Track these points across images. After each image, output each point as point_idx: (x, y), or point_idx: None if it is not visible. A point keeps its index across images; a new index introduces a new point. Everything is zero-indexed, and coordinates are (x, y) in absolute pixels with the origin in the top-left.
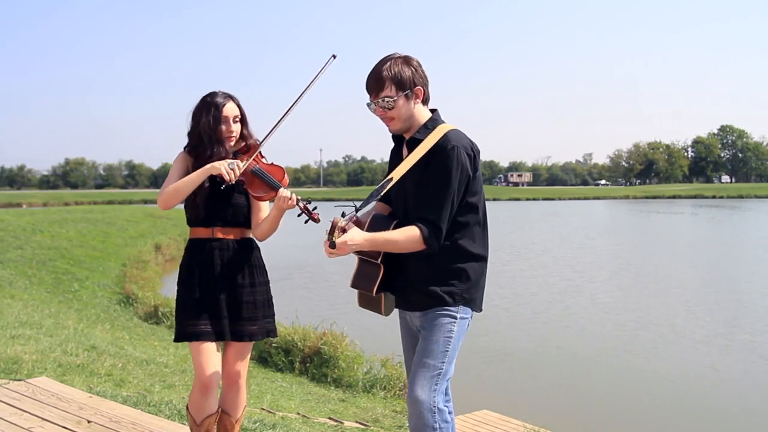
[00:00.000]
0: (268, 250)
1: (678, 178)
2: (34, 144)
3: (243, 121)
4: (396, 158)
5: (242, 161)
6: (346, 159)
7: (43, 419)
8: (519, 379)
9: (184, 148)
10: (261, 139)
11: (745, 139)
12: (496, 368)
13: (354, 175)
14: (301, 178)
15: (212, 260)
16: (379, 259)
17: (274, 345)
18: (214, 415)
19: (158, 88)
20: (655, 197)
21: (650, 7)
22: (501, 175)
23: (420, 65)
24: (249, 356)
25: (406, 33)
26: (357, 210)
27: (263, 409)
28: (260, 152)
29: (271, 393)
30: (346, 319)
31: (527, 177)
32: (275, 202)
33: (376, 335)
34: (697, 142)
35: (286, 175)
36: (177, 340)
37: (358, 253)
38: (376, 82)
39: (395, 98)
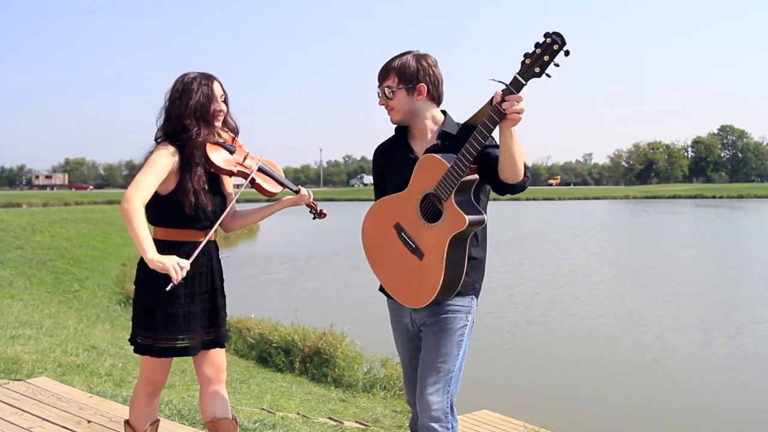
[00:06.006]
0: (269, 248)
1: (678, 178)
2: (34, 144)
3: (226, 102)
4: (405, 157)
5: (239, 165)
6: (346, 159)
7: (43, 419)
8: (519, 379)
9: (158, 139)
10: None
11: (745, 139)
12: (495, 368)
13: (354, 175)
14: (301, 177)
15: (211, 265)
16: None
17: (274, 345)
18: (155, 423)
19: (158, 88)
20: (654, 197)
21: (650, 8)
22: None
23: (434, 64)
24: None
25: (406, 33)
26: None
27: (263, 409)
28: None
29: (271, 393)
30: (346, 319)
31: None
32: (294, 200)
33: (376, 335)
34: (697, 142)
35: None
36: (169, 354)
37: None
38: (382, 72)
39: (395, 89)
